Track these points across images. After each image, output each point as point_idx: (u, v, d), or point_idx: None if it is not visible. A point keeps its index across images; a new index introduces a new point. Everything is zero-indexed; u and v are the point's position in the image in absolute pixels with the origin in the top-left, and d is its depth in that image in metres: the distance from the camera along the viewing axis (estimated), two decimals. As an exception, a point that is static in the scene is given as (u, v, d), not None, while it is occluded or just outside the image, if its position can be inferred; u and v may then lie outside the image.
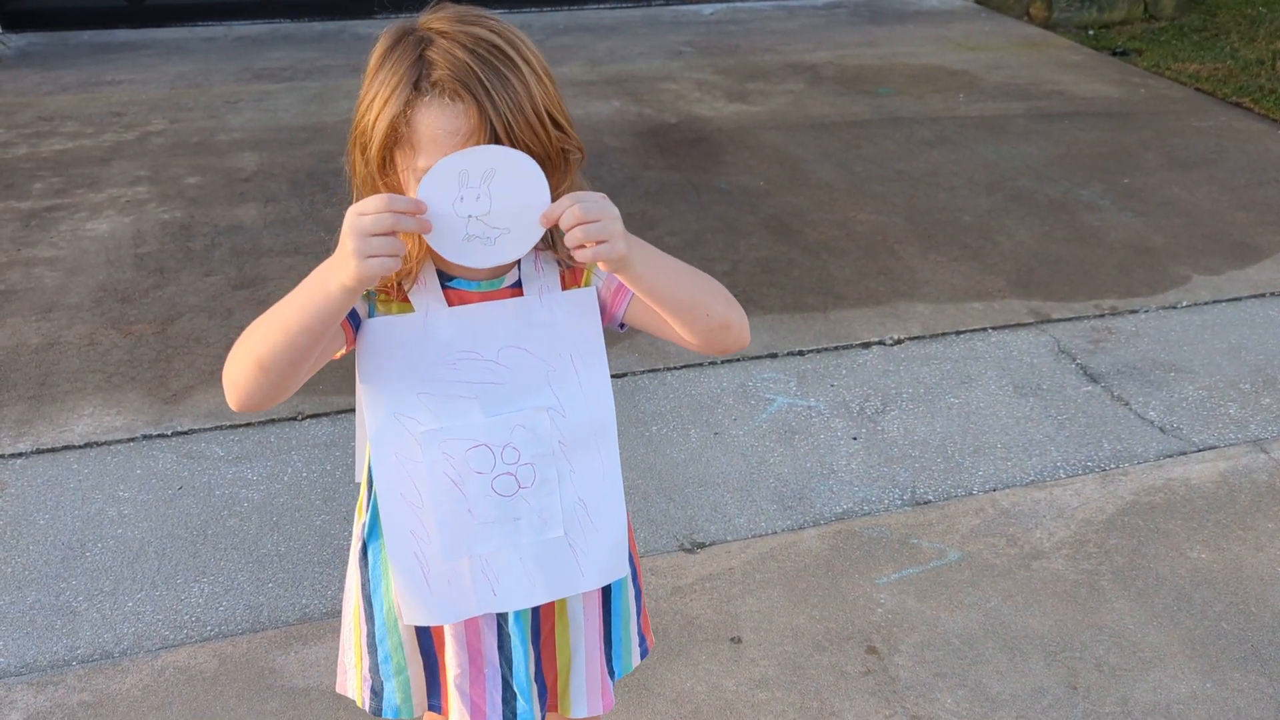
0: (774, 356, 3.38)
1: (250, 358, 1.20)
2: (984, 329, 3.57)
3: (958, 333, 3.55)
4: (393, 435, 1.28)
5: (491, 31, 1.18)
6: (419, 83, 1.15)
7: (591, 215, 1.14)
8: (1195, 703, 2.18)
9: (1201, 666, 2.26)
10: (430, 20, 1.21)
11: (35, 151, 5.00)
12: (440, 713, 1.47)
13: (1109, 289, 3.85)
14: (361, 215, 1.11)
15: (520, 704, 1.42)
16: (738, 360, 3.35)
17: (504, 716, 1.43)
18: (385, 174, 1.22)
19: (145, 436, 2.96)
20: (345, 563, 2.53)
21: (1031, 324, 3.61)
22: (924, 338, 3.51)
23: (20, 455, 2.88)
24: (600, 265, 1.17)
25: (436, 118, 1.15)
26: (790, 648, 2.30)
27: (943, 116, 5.57)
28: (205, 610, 2.38)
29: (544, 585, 1.35)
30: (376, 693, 1.46)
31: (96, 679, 2.19)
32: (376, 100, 1.18)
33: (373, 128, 1.19)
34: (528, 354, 1.27)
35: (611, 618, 1.49)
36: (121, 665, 2.23)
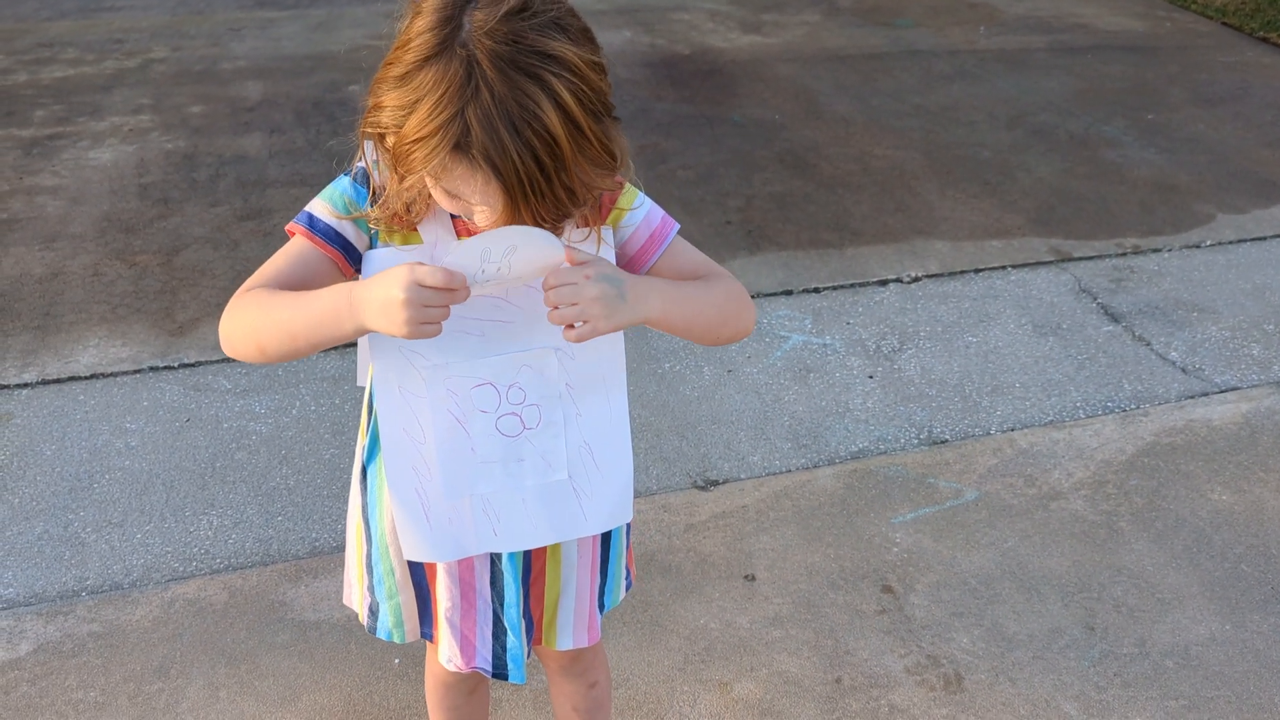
0: (789, 294, 3.32)
1: (251, 339, 1.22)
2: (1003, 267, 3.51)
3: (976, 271, 3.48)
4: (397, 368, 1.25)
5: (543, 87, 1.05)
6: (459, 143, 1.06)
7: (564, 300, 1.15)
8: (1214, 644, 2.15)
9: (1221, 608, 2.24)
10: (479, 33, 1.06)
11: (35, 79, 4.90)
12: (432, 641, 1.46)
13: (1131, 227, 3.77)
14: (423, 288, 1.10)
15: (510, 640, 1.41)
16: (753, 298, 3.28)
17: (494, 651, 1.42)
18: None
19: (151, 368, 2.93)
20: (355, 497, 2.50)
21: (1052, 262, 3.54)
22: (942, 275, 3.45)
23: (26, 386, 2.85)
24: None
25: (470, 182, 1.09)
26: (804, 586, 2.27)
27: (962, 49, 5.44)
28: (214, 543, 2.36)
29: (546, 527, 1.32)
30: (373, 612, 1.46)
31: (106, 610, 2.18)
32: (416, 121, 1.07)
33: (411, 155, 1.09)
34: (537, 292, 1.22)
35: (609, 552, 1.48)
36: (131, 597, 2.21)
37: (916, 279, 3.43)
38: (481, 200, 1.11)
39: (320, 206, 1.27)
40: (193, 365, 2.94)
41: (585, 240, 1.25)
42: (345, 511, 2.43)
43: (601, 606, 1.49)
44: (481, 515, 1.30)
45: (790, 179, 4.03)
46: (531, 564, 1.40)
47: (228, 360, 2.94)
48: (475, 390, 1.25)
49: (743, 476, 2.59)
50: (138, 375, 2.90)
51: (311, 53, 5.22)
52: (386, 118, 1.10)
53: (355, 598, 1.49)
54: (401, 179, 1.14)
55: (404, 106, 1.08)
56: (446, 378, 1.24)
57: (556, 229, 1.14)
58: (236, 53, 5.25)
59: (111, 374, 2.90)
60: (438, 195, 1.16)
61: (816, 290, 3.35)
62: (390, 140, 1.11)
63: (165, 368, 2.93)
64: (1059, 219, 3.81)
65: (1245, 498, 2.54)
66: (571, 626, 1.46)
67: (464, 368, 1.24)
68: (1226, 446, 2.71)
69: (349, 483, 2.52)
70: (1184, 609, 2.24)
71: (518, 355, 1.25)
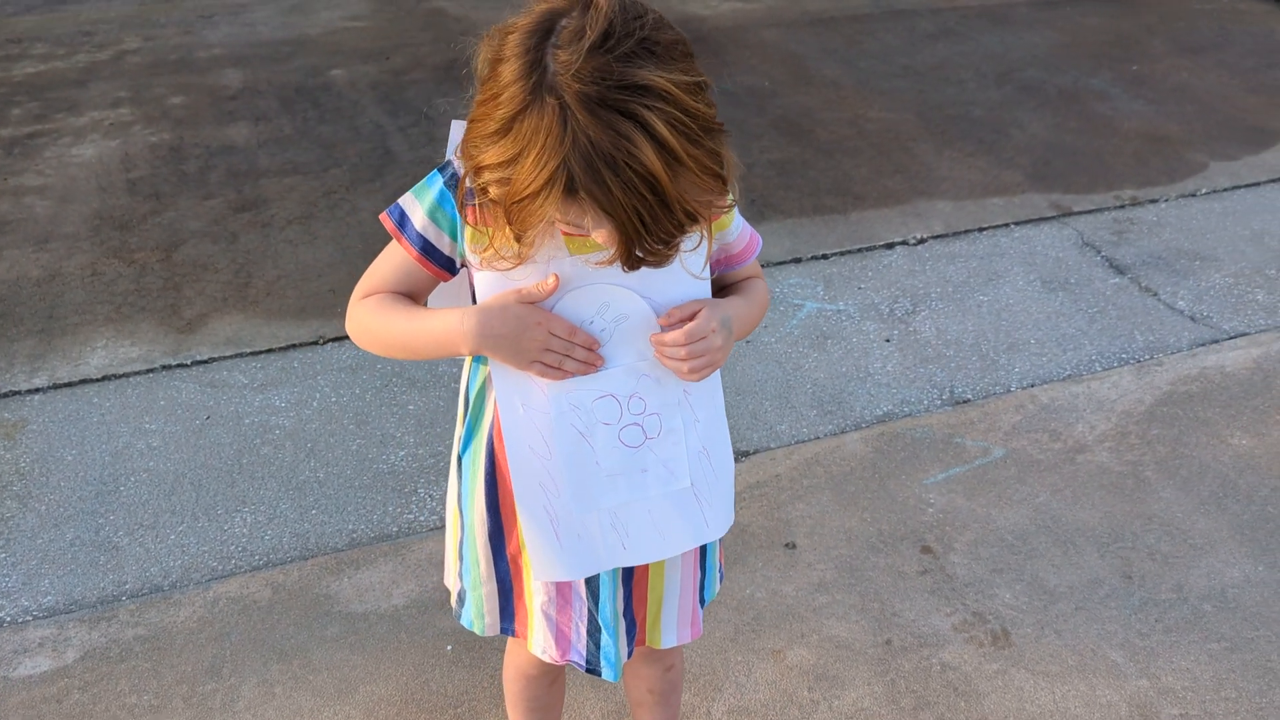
0: (798, 261, 3.33)
1: (376, 344, 1.32)
2: (1006, 224, 3.52)
3: (980, 229, 3.50)
4: (519, 387, 1.26)
5: (635, 121, 1.01)
6: (568, 188, 1.04)
7: (699, 355, 1.24)
8: (1249, 586, 2.20)
9: (1252, 550, 2.28)
10: (565, 76, 1.02)
11: (7, 76, 4.79)
12: (515, 635, 1.46)
13: (1127, 179, 3.80)
14: (554, 336, 1.21)
15: (605, 638, 1.41)
16: (763, 266, 3.28)
17: (588, 649, 1.42)
18: None
19: (164, 367, 2.89)
20: (386, 487, 2.50)
21: (1053, 217, 3.56)
22: (947, 236, 3.46)
23: (37, 390, 2.80)
24: None
25: (580, 218, 1.08)
26: (845, 551, 2.29)
27: (943, 8, 5.44)
28: (250, 540, 2.35)
29: (673, 537, 1.34)
30: (461, 599, 1.47)
31: (149, 613, 2.16)
32: (522, 177, 1.04)
33: (524, 211, 1.07)
34: (650, 301, 1.25)
35: (707, 546, 1.48)
36: (173, 598, 2.20)
37: (922, 240, 3.44)
38: (596, 229, 1.10)
39: (414, 208, 1.26)
40: (206, 362, 2.90)
41: (697, 248, 1.23)
42: (379, 503, 2.44)
43: (702, 601, 1.49)
44: (610, 530, 1.32)
45: (787, 146, 4.02)
46: (634, 565, 1.40)
47: (241, 355, 2.91)
48: (597, 403, 1.27)
49: (773, 446, 2.60)
50: (151, 374, 2.86)
51: (289, 37, 5.13)
52: (490, 175, 1.08)
53: (450, 580, 1.50)
54: (519, 237, 1.12)
55: (506, 162, 1.06)
56: (569, 393, 1.26)
57: (674, 247, 1.12)
58: (211, 40, 5.16)
59: (124, 374, 2.86)
60: (555, 224, 1.14)
61: (825, 256, 3.35)
62: (495, 193, 1.10)
63: (178, 365, 2.89)
64: (1056, 174, 3.83)
65: (1265, 441, 2.58)
66: (675, 624, 1.47)
67: (585, 382, 1.26)
68: (1241, 392, 2.75)
69: (379, 474, 2.52)
70: (1216, 553, 2.28)
71: (637, 365, 1.27)
